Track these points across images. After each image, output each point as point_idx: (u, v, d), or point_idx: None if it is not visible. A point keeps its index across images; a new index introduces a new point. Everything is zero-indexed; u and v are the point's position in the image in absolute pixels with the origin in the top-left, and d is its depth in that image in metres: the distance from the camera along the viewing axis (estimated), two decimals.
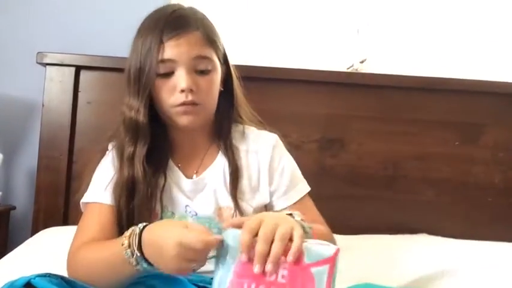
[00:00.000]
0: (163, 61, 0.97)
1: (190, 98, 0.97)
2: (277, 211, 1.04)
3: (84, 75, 1.76)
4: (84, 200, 1.04)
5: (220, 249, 0.78)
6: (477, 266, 1.35)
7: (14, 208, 1.87)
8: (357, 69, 1.97)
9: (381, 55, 2.02)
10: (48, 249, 1.34)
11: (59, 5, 1.97)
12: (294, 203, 1.07)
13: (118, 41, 1.89)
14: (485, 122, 1.78)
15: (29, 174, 1.91)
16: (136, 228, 0.83)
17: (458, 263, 1.36)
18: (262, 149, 1.09)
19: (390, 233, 1.65)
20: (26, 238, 1.53)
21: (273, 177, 1.07)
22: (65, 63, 1.74)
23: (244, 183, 1.05)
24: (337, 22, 2.04)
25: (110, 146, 1.08)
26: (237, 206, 1.02)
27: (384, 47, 2.03)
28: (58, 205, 1.71)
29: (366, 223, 1.72)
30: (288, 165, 1.10)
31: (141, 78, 0.98)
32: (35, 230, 1.63)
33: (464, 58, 2.02)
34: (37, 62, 1.73)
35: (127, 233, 0.84)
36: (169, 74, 0.98)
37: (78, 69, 1.75)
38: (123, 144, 1.01)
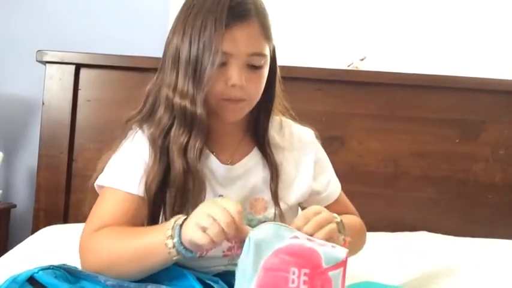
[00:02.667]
0: (222, 52, 0.90)
1: (239, 94, 0.93)
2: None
3: (84, 73, 1.76)
4: (103, 183, 0.97)
5: (241, 257, 0.78)
6: (477, 263, 1.35)
7: (14, 206, 1.88)
8: (357, 67, 1.97)
9: (380, 53, 2.02)
10: (48, 248, 1.34)
11: (59, 4, 1.97)
12: (335, 200, 1.10)
13: (118, 40, 1.91)
14: (485, 120, 1.78)
15: (29, 172, 1.92)
16: (179, 219, 0.83)
17: (458, 260, 1.36)
18: (304, 145, 1.07)
19: (390, 231, 1.65)
20: (27, 236, 1.53)
21: (319, 174, 1.07)
22: (65, 61, 1.74)
23: (283, 178, 1.02)
24: (337, 20, 2.04)
25: (134, 126, 1.00)
26: (276, 201, 0.99)
27: (383, 44, 2.03)
28: (58, 203, 1.71)
29: (366, 221, 1.70)
30: (328, 162, 1.11)
31: (200, 67, 0.91)
32: (35, 228, 1.63)
33: (464, 55, 2.02)
34: (37, 60, 1.73)
35: (170, 225, 0.83)
36: (222, 64, 0.92)
37: (78, 67, 1.75)
38: (167, 131, 0.94)
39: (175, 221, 0.82)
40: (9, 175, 1.96)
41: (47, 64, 1.74)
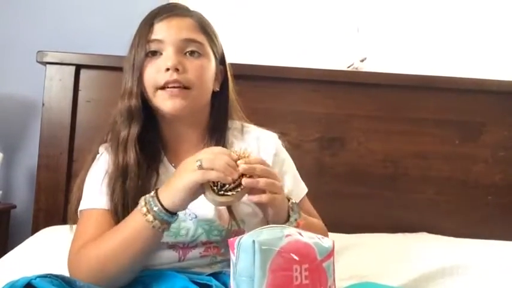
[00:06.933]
0: (152, 41, 0.98)
1: (174, 76, 0.96)
2: None
3: (84, 74, 1.76)
4: (79, 208, 1.02)
5: (241, 260, 0.78)
6: (477, 264, 1.35)
7: (14, 207, 1.87)
8: (357, 68, 1.97)
9: (381, 54, 2.02)
10: (48, 248, 1.34)
11: (59, 4, 1.97)
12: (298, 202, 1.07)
13: (118, 40, 1.90)
14: (485, 121, 1.78)
15: (29, 173, 1.92)
16: (148, 195, 0.87)
17: (458, 261, 1.36)
18: (264, 147, 1.07)
19: (390, 232, 1.65)
20: (26, 237, 1.53)
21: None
22: (65, 62, 1.74)
23: None
24: (337, 21, 2.04)
25: (100, 149, 1.06)
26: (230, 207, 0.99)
27: (384, 45, 2.03)
28: (58, 204, 1.71)
29: (366, 222, 1.72)
30: (290, 165, 1.11)
31: (134, 60, 0.99)
32: (35, 229, 1.63)
33: (464, 56, 2.02)
34: (37, 61, 1.73)
35: (141, 203, 0.87)
36: (157, 54, 0.99)
37: (78, 68, 1.75)
38: (119, 132, 1.00)
39: (144, 198, 0.86)
40: (9, 175, 1.96)
41: (47, 65, 1.74)
